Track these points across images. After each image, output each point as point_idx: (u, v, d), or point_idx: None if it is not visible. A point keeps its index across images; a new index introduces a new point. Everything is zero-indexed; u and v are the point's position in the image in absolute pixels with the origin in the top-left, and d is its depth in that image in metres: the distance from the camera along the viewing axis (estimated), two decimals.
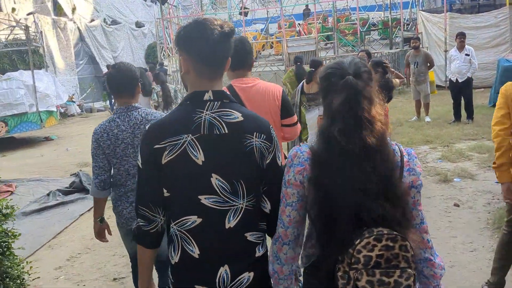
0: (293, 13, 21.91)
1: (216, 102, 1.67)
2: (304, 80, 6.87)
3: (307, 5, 22.03)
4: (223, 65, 1.70)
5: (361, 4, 19.84)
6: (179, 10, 21.06)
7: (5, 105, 10.90)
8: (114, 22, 25.69)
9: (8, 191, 6.90)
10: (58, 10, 22.08)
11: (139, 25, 27.47)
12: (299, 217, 1.62)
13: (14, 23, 12.82)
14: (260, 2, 26.25)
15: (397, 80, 6.62)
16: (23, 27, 11.42)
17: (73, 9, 22.68)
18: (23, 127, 11.36)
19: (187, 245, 1.66)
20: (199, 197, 1.63)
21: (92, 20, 23.92)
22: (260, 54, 20.05)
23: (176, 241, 1.68)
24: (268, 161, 1.70)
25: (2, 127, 10.89)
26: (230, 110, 1.67)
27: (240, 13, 18.09)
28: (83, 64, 22.03)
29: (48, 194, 6.62)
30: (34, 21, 12.37)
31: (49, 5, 21.78)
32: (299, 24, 21.34)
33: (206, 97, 1.66)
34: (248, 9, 19.43)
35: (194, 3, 20.61)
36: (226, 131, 1.63)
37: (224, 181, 1.63)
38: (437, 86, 11.69)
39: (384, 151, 1.53)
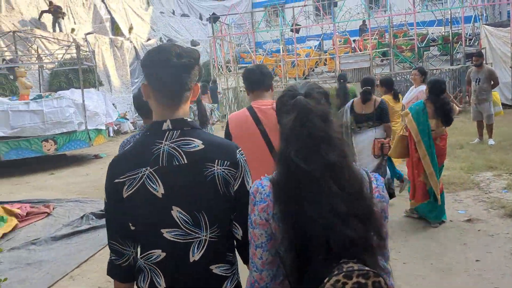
0: (349, 29, 21.33)
1: (175, 131, 1.63)
2: (353, 99, 6.37)
3: (364, 21, 21.39)
4: (182, 93, 1.66)
5: (419, 19, 18.95)
6: (231, 28, 21.01)
7: (55, 124, 11.04)
8: (170, 41, 26.14)
9: (45, 212, 6.79)
10: (115, 30, 22.74)
11: (194, 43, 27.78)
12: (271, 258, 1.53)
13: (68, 43, 13.14)
14: (315, 19, 25.85)
15: (456, 108, 5.93)
16: (75, 47, 11.60)
17: (130, 29, 23.29)
18: (72, 145, 11.47)
19: (155, 277, 1.63)
20: (162, 230, 1.60)
21: (148, 39, 24.45)
22: (313, 71, 19.60)
23: (145, 271, 1.66)
24: (236, 187, 1.65)
25: (51, 145, 11.02)
26: (190, 138, 1.63)
27: (292, 30, 17.75)
28: (138, 82, 22.44)
29: (82, 217, 6.43)
30: (86, 41, 12.58)
31: (107, 25, 22.48)
32: (354, 40, 20.74)
33: (165, 126, 1.63)
34: (300, 25, 19.06)
35: (246, 21, 20.51)
36: (186, 161, 1.59)
37: (185, 213, 1.59)
38: (503, 104, 10.67)
39: (348, 167, 1.45)
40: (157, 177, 1.58)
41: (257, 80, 3.16)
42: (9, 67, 12.06)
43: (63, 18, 19.36)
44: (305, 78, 18.86)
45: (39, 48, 15.65)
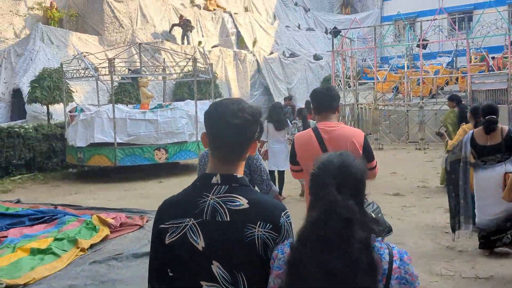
0: (488, 46, 19.19)
1: (223, 186, 1.66)
2: (473, 130, 5.45)
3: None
4: (234, 153, 1.70)
5: None
6: (354, 43, 20.19)
7: (167, 133, 11.37)
8: (293, 55, 26.08)
9: (137, 224, 6.80)
10: (240, 43, 23.27)
11: (317, 57, 27.39)
12: None
13: (189, 55, 13.58)
14: (449, 34, 23.83)
15: None
16: (192, 59, 11.88)
17: (254, 42, 23.66)
18: (182, 155, 11.73)
19: None
20: (201, 282, 1.63)
21: (271, 53, 24.63)
22: (442, 90, 17.96)
23: None
24: None
25: (162, 154, 11.37)
26: (236, 196, 1.65)
27: (418, 46, 16.42)
28: (257, 94, 22.68)
29: None
30: (204, 54, 12.86)
31: (233, 38, 23.10)
32: (493, 57, 18.60)
33: (214, 180, 1.67)
34: (428, 40, 17.57)
35: (372, 35, 19.52)
36: (228, 219, 1.62)
37: (224, 270, 1.61)
38: None
39: (366, 263, 1.40)
40: (199, 230, 1.62)
41: (324, 102, 3.29)
42: (133, 77, 12.72)
43: (191, 31, 20.28)
44: (432, 97, 17.33)
45: (165, 59, 16.49)
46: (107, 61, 11.54)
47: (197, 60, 13.30)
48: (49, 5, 18.09)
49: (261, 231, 1.58)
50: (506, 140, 5.03)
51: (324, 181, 1.50)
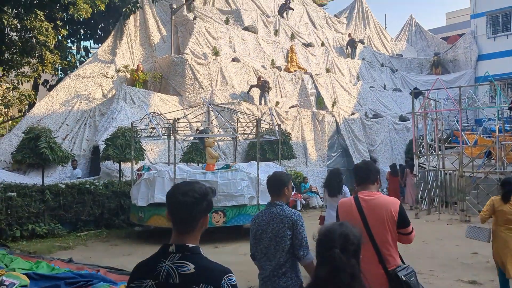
0: None
1: (177, 254, 2.06)
2: None
3: None
4: (187, 223, 2.11)
5: None
6: (440, 104, 18.85)
7: (226, 196, 10.98)
8: (376, 116, 25.09)
9: None
10: (319, 103, 22.87)
11: (403, 119, 26.09)
12: None
13: (254, 116, 13.38)
14: None
15: None
16: (256, 121, 11.59)
17: (334, 103, 23.14)
18: (241, 219, 11.21)
19: None
20: None
21: (353, 113, 23.88)
22: None
23: None
24: None
25: (220, 217, 10.94)
26: (186, 262, 2.03)
27: (510, 108, 14.81)
28: (335, 156, 21.85)
29: None
30: (271, 115, 12.55)
31: (312, 99, 22.80)
32: None
33: (171, 249, 2.08)
34: None
35: (451, 96, 18.15)
36: (177, 281, 2.00)
37: None
38: None
39: None
40: None
41: (363, 176, 3.80)
42: (200, 137, 12.70)
43: (268, 92, 20.30)
44: None
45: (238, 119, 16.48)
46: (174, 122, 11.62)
47: (264, 121, 13.01)
48: (135, 68, 19.17)
49: None
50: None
51: (329, 246, 1.83)
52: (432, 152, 17.32)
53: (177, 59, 19.28)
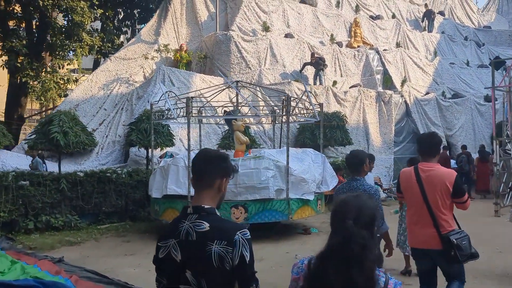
0: None
1: (194, 215, 2.30)
2: None
3: None
4: (203, 181, 2.37)
5: None
6: None
7: (248, 188, 9.16)
8: (456, 96, 21.84)
9: None
10: (385, 82, 20.19)
11: (489, 99, 22.47)
12: None
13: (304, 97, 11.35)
14: None
15: None
16: (286, 101, 9.63)
17: (403, 82, 20.31)
18: (266, 216, 9.32)
19: None
20: (180, 286, 2.27)
21: (427, 93, 20.91)
22: None
23: None
24: (235, 263, 2.19)
25: (241, 212, 9.17)
26: (202, 221, 2.27)
27: None
28: (404, 142, 19.15)
29: None
30: (306, 92, 10.41)
31: (378, 77, 20.17)
32: None
33: (189, 210, 2.34)
34: None
35: None
36: (195, 238, 2.25)
37: (193, 277, 2.23)
38: None
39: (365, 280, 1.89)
40: (177, 247, 2.29)
41: (426, 150, 4.30)
42: (228, 119, 10.97)
43: (323, 70, 18.07)
44: None
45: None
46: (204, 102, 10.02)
47: (305, 101, 10.99)
48: (178, 48, 17.86)
49: (217, 247, 2.19)
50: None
51: (343, 217, 1.97)
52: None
53: (222, 36, 17.65)
